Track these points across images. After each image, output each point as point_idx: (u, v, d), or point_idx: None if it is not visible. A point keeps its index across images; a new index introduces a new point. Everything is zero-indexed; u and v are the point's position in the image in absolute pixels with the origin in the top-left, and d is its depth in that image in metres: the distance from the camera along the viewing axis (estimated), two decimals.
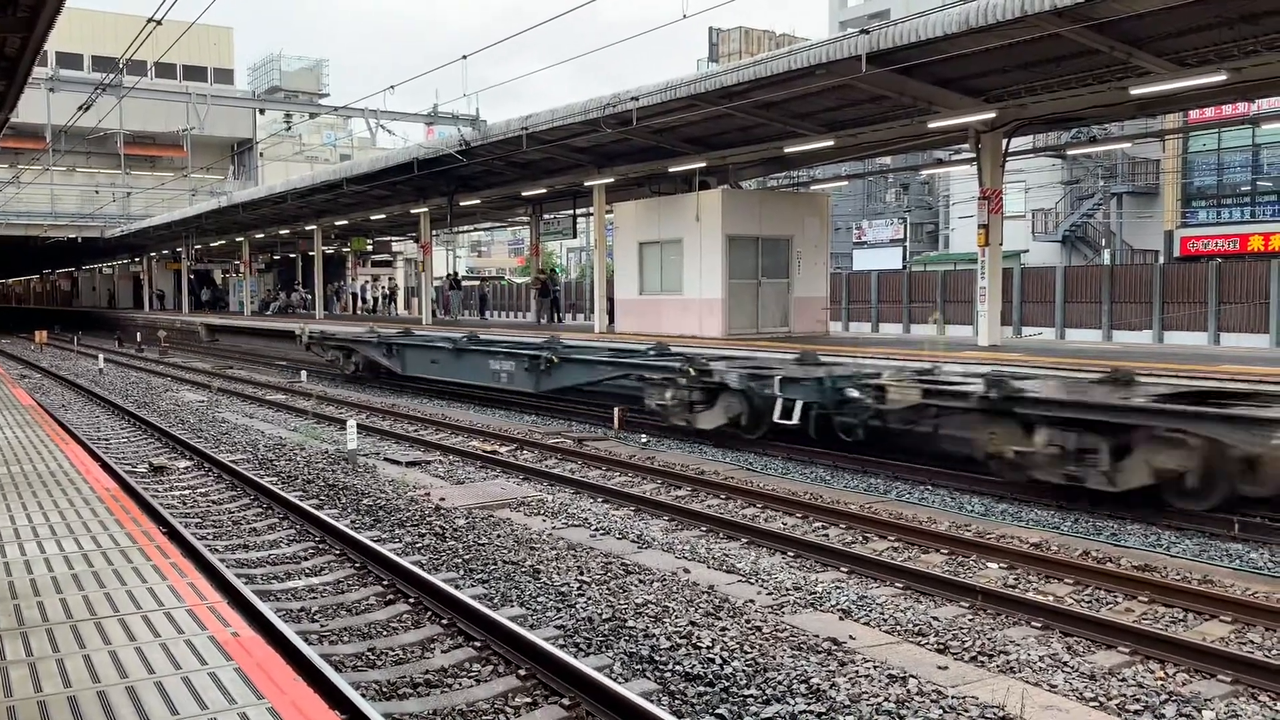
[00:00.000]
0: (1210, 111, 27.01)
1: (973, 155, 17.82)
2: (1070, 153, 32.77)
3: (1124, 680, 5.66)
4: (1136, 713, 5.23)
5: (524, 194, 27.94)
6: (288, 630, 6.02)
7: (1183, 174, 35.78)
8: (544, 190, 26.87)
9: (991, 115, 16.35)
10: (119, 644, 4.01)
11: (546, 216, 32.19)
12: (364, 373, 24.00)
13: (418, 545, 8.71)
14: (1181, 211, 36.05)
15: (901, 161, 32.20)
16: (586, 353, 17.61)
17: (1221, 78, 13.84)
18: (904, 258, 48.70)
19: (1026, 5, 12.18)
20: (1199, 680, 5.72)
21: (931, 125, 16.93)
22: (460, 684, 5.64)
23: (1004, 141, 17.39)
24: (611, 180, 23.62)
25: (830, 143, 19.00)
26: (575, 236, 34.78)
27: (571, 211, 29.58)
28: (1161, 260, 34.72)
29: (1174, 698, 5.41)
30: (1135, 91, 14.52)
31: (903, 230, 50.73)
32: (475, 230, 50.95)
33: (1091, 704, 5.31)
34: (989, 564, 8.04)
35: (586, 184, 24.24)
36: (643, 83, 17.82)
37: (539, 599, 7.11)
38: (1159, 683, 5.66)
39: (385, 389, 23.36)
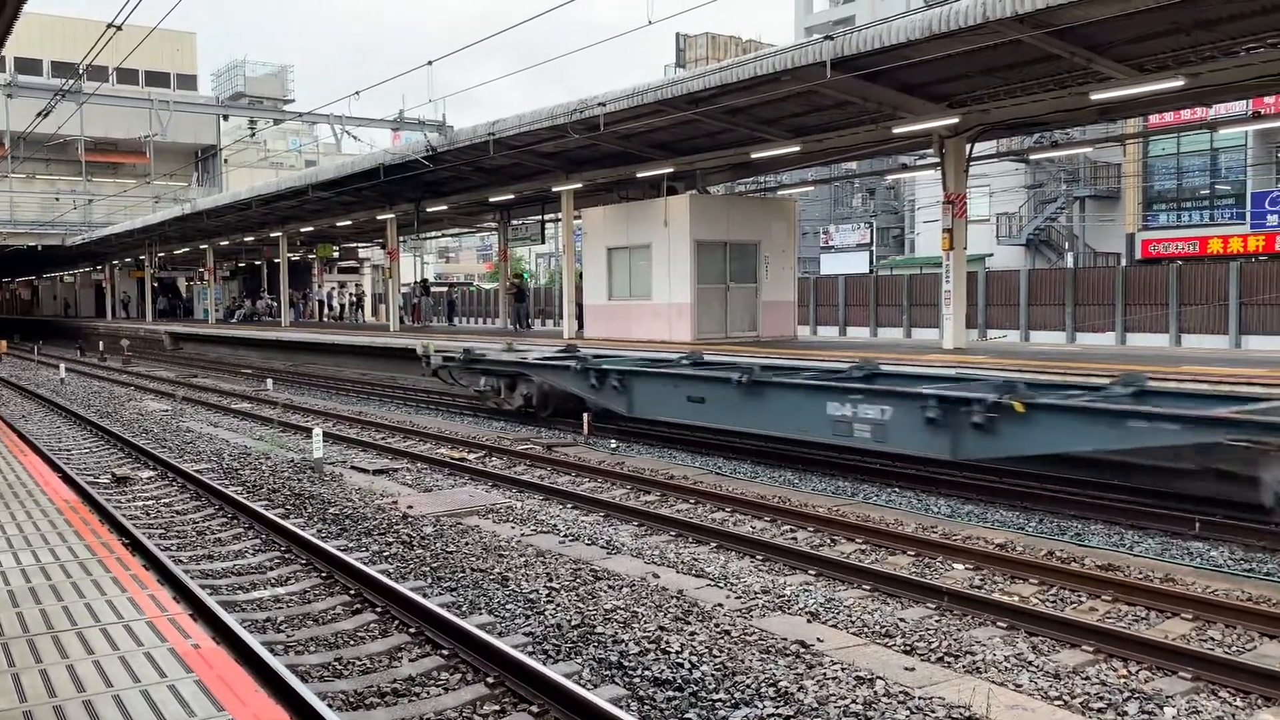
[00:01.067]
0: (1169, 116, 27.42)
1: (937, 160, 17.99)
2: (1033, 157, 33.16)
3: (1088, 679, 5.71)
4: (1100, 710, 5.28)
5: (492, 200, 27.86)
6: (252, 640, 5.95)
7: (1143, 178, 36.30)
8: (512, 196, 26.82)
9: (955, 120, 16.50)
10: (76, 658, 3.95)
11: (515, 222, 32.16)
12: (540, 409, 17.20)
13: (385, 554, 8.65)
14: (1142, 215, 36.56)
15: (867, 166, 32.42)
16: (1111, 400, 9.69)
17: (1179, 83, 14.04)
18: (871, 262, 49.02)
19: (988, 11, 12.31)
20: (1161, 677, 5.79)
21: (896, 130, 17.07)
22: (428, 692, 5.60)
23: (967, 146, 17.56)
24: (579, 186, 23.62)
25: (797, 148, 19.09)
26: (544, 242, 34.75)
27: (540, 217, 29.56)
28: (1123, 263, 35.18)
29: (1137, 695, 5.47)
30: (1096, 97, 14.71)
31: (869, 235, 51.07)
32: (443, 236, 50.74)
33: (1056, 703, 5.36)
34: (955, 565, 8.10)
35: (554, 189, 24.23)
36: (610, 89, 17.84)
37: (507, 606, 7.08)
38: (1122, 681, 5.72)
39: (563, 429, 16.62)
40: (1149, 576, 7.57)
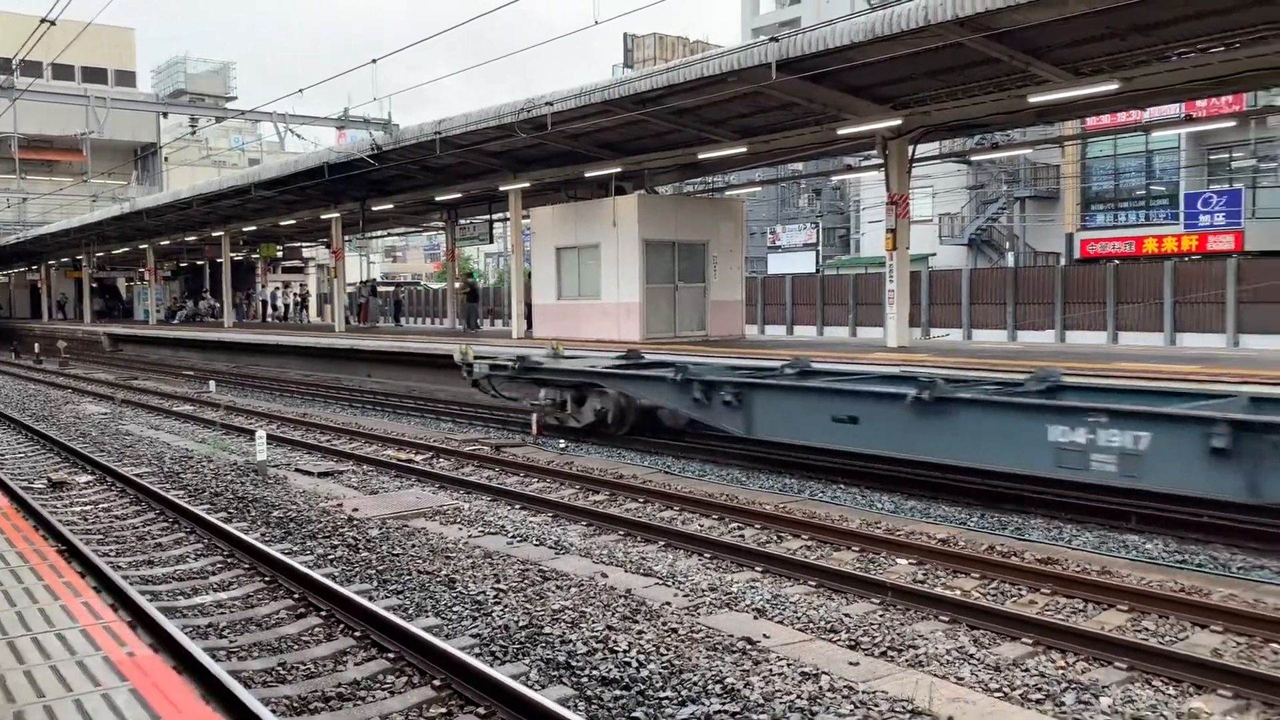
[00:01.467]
0: (1106, 119, 28.03)
1: (881, 161, 18.21)
2: (974, 158, 33.71)
3: (1027, 670, 5.83)
4: (1039, 701, 5.39)
5: (438, 199, 27.68)
6: (193, 647, 5.86)
7: (1081, 179, 37.04)
8: (459, 195, 26.66)
9: (898, 122, 16.72)
10: (6, 668, 3.86)
11: (462, 221, 31.96)
12: (615, 425, 14.56)
13: (330, 557, 8.56)
14: (1081, 215, 37.32)
15: (813, 167, 32.71)
16: None
17: (1114, 86, 14.36)
18: (817, 262, 49.47)
19: (929, 15, 12.49)
20: (1097, 668, 5.92)
21: (840, 132, 17.25)
22: (374, 696, 5.55)
23: (910, 148, 17.80)
24: (527, 185, 23.55)
25: (744, 149, 19.22)
26: (492, 241, 34.57)
27: (488, 216, 29.41)
28: (1062, 262, 35.88)
29: (1073, 685, 5.59)
30: (1034, 99, 15.00)
31: (816, 234, 51.53)
32: (389, 235, 50.26)
33: (996, 694, 5.46)
34: (899, 560, 8.21)
35: (502, 189, 24.13)
36: (558, 88, 17.81)
37: (454, 608, 7.05)
38: (1060, 671, 5.84)
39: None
40: (1087, 569, 7.74)
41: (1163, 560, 8.25)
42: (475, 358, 16.64)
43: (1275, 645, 6.19)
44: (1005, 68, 14.54)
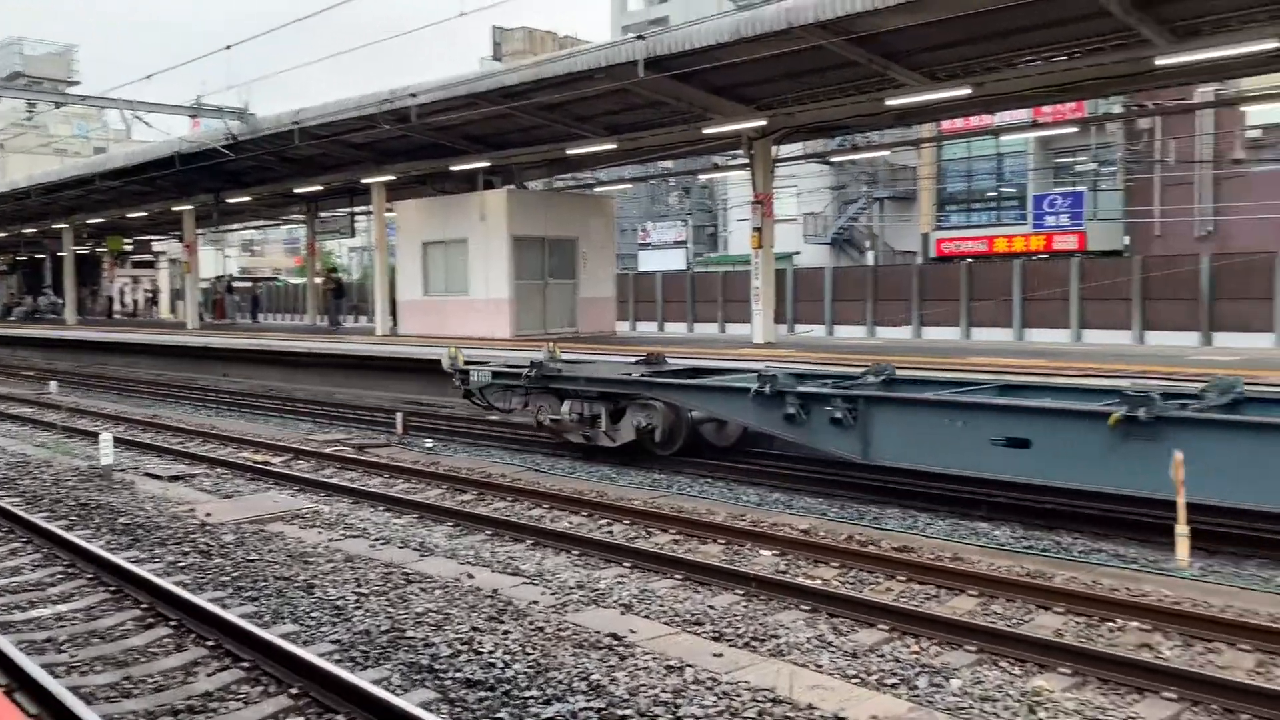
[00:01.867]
0: (960, 122, 29.23)
1: (746, 161, 18.55)
2: (836, 159, 34.66)
3: (883, 656, 6.01)
4: (894, 686, 5.57)
5: (298, 191, 26.85)
6: (29, 663, 5.52)
7: (937, 180, 38.53)
8: (320, 187, 25.93)
9: (763, 123, 17.05)
10: None
11: (323, 214, 31.10)
12: (663, 444, 12.28)
13: (181, 564, 8.19)
14: (936, 215, 38.81)
15: (683, 165, 33.08)
16: None
17: (967, 91, 14.99)
18: (687, 259, 50.03)
19: (792, 17, 12.78)
20: (949, 651, 6.16)
21: (707, 131, 17.49)
22: (227, 707, 5.34)
23: (774, 148, 18.17)
24: (392, 178, 23.08)
25: (613, 146, 19.28)
26: (354, 235, 33.74)
27: (350, 210, 28.69)
28: (919, 261, 37.25)
29: (927, 669, 5.80)
30: (891, 102, 15.51)
31: (685, 232, 52.10)
32: (246, 229, 48.48)
33: (853, 680, 5.62)
34: (763, 552, 8.37)
35: (364, 181, 23.57)
36: (423, 80, 17.49)
37: (313, 614, 6.83)
38: (914, 656, 6.05)
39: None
40: (940, 556, 8.03)
41: (1010, 546, 8.63)
42: (468, 363, 14.48)
43: (1110, 624, 6.55)
44: (865, 71, 15.00)
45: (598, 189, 27.85)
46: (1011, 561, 8.00)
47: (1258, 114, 29.53)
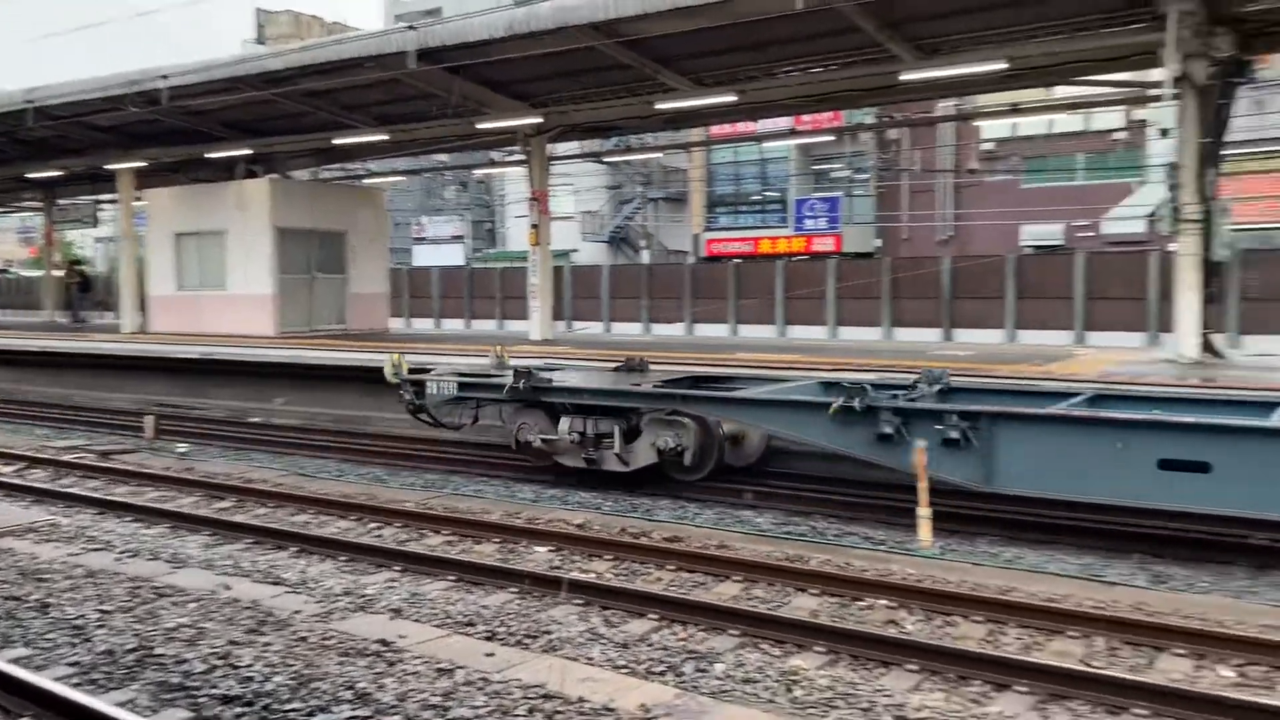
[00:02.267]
0: (728, 127, 30.35)
1: (523, 157, 18.53)
2: (611, 159, 35.20)
3: (651, 645, 6.16)
4: (661, 673, 5.71)
5: (32, 176, 24.55)
6: None
7: (707, 182, 39.86)
8: (59, 172, 23.82)
9: (538, 120, 17.08)
10: None
11: (63, 202, 28.60)
12: (693, 469, 10.41)
13: None
14: (706, 216, 40.16)
15: (459, 159, 32.64)
16: None
17: (733, 98, 15.57)
18: (466, 255, 49.42)
19: (565, 17, 12.87)
20: (715, 636, 6.39)
21: (481, 126, 17.33)
22: None
23: (550, 145, 18.25)
24: (142, 164, 21.52)
25: (384, 136, 18.78)
26: (97, 225, 31.25)
27: (94, 197, 26.53)
28: (691, 260, 38.42)
29: (693, 655, 5.98)
30: (661, 105, 15.90)
31: (463, 227, 51.44)
32: None
33: (623, 670, 5.72)
34: (537, 548, 8.39)
35: (110, 167, 21.85)
36: (178, 62, 16.41)
37: (49, 636, 6.27)
38: (681, 643, 6.24)
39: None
40: (706, 545, 8.32)
41: (771, 532, 9.05)
42: (415, 372, 12.10)
43: (861, 603, 6.99)
44: (637, 74, 15.30)
45: (368, 180, 27.04)
46: (772, 547, 8.39)
47: (990, 129, 32.39)
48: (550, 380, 11.07)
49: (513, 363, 12.19)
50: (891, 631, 6.42)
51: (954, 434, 8.45)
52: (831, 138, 32.21)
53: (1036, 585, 7.27)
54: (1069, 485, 8.27)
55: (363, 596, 7.13)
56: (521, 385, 10.85)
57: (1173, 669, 5.80)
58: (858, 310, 28.48)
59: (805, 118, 30.10)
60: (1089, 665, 5.79)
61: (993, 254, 28.12)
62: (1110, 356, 15.54)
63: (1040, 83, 17.05)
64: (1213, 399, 9.34)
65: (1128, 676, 5.57)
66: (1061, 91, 19.67)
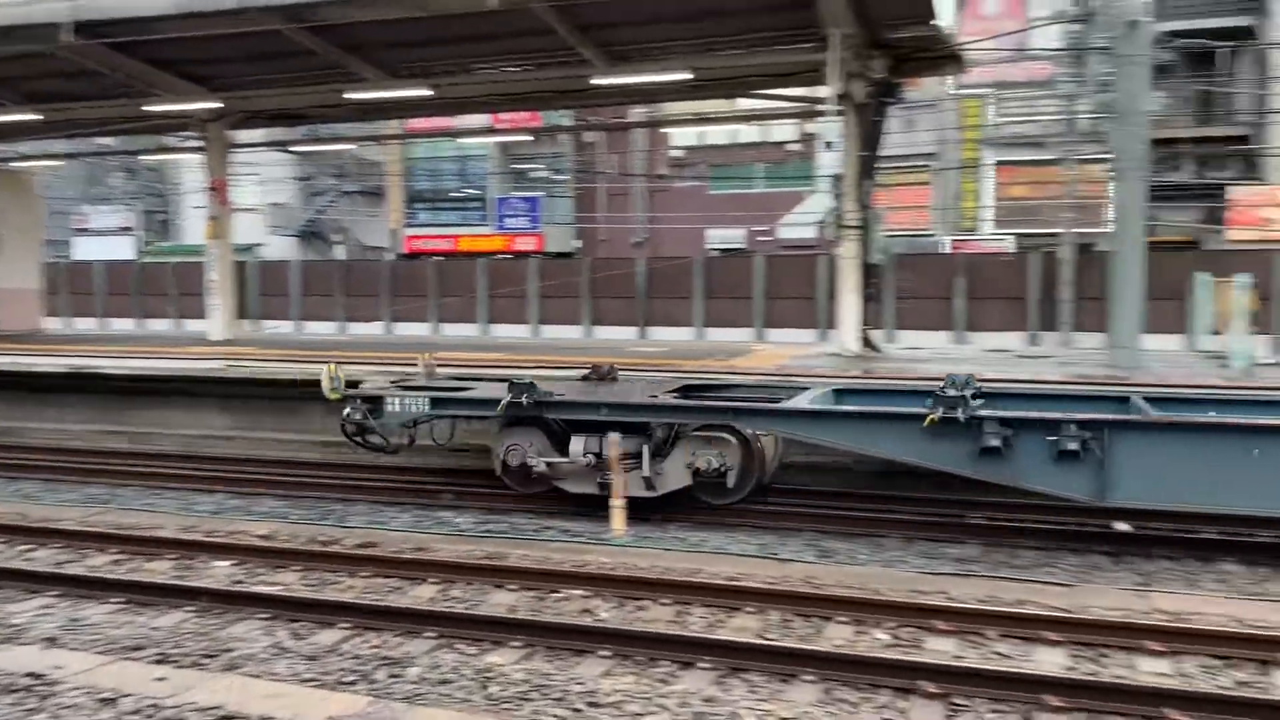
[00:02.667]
0: (426, 122, 29.85)
1: (200, 144, 17.31)
2: (298, 149, 33.59)
3: (342, 655, 5.95)
4: (353, 683, 5.53)
5: None
6: None
7: (406, 177, 39.03)
8: None
9: (218, 105, 16.04)
10: None
11: None
12: (734, 489, 9.20)
13: None
14: (406, 212, 39.33)
15: (127, 144, 29.89)
16: None
17: (427, 92, 15.35)
18: (137, 248, 45.38)
19: None
20: (410, 641, 6.27)
21: (151, 108, 16.02)
22: None
23: (232, 133, 17.17)
24: None
25: (36, 116, 16.88)
26: None
27: None
28: (390, 257, 37.46)
29: (386, 661, 5.84)
30: (351, 95, 15.40)
31: (133, 218, 47.20)
32: None
33: (311, 684, 5.49)
34: (218, 563, 7.87)
35: None
36: None
37: None
38: (374, 651, 6.07)
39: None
40: (403, 549, 8.15)
41: (471, 532, 9.01)
42: (354, 384, 10.22)
43: (557, 594, 7.10)
44: (324, 61, 14.71)
45: (16, 164, 24.18)
46: (473, 546, 8.36)
47: (680, 136, 34.00)
48: (554, 395, 9.43)
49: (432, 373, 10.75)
50: (586, 620, 6.58)
51: (1072, 445, 7.68)
52: (530, 138, 32.54)
53: (721, 565, 7.72)
54: (1195, 496, 7.82)
55: (10, 627, 6.39)
56: (525, 400, 9.24)
57: (837, 635, 6.35)
58: (559, 309, 28.94)
59: (504, 116, 30.18)
60: (763, 638, 6.22)
61: (683, 256, 29.51)
62: (785, 351, 16.77)
63: (723, 94, 18.07)
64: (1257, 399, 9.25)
65: (797, 646, 6.04)
66: (744, 104, 20.98)
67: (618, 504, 8.81)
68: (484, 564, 7.63)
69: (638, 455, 9.06)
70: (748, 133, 33.30)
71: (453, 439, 10.31)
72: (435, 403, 9.72)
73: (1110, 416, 7.97)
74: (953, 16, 30.22)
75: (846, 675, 5.64)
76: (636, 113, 29.43)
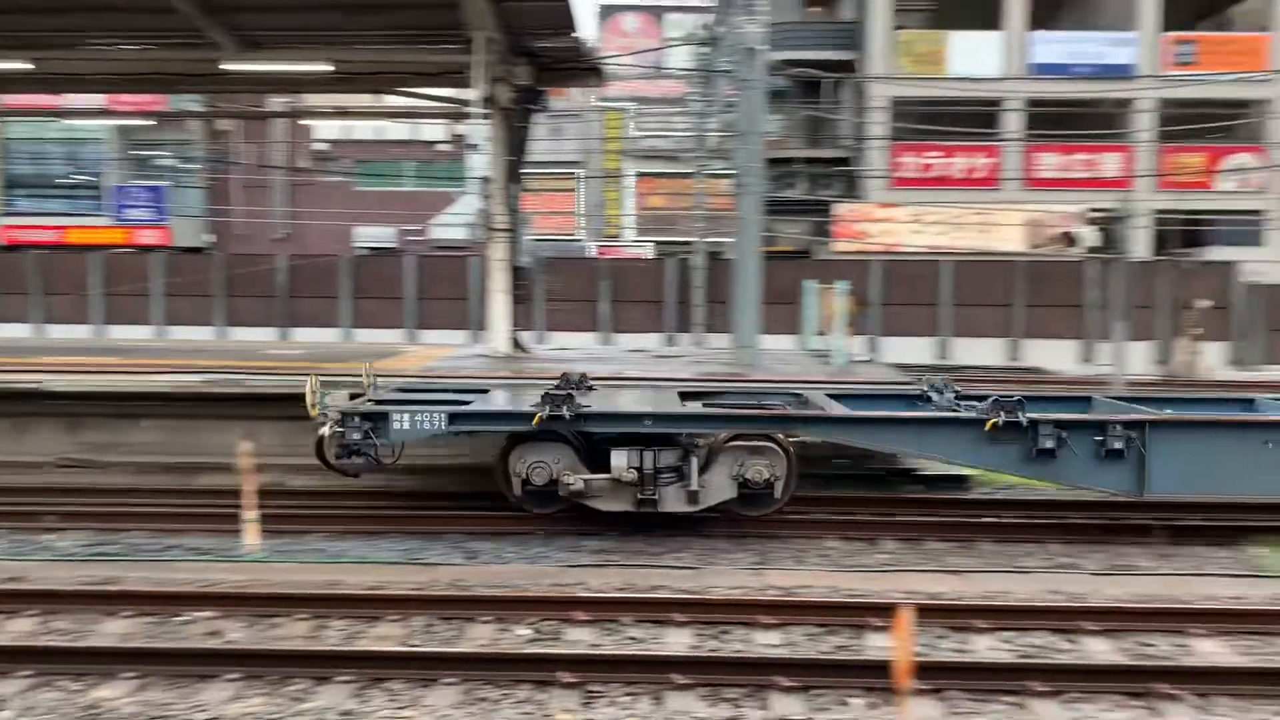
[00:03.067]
0: (25, 98, 26.59)
1: None
2: None
3: None
4: None
5: None
6: None
7: (2, 160, 34.53)
8: None
9: None
10: None
11: None
12: (781, 499, 8.84)
13: None
14: (3, 199, 34.80)
15: None
16: None
17: (27, 66, 13.70)
18: None
19: None
20: (1, 681, 5.56)
21: None
22: None
23: None
24: None
25: None
26: None
27: None
28: None
29: None
30: None
31: None
32: None
33: None
34: None
35: None
36: None
37: None
38: None
39: None
40: None
41: (78, 555, 8.18)
42: (357, 398, 8.91)
43: (180, 618, 6.57)
44: None
45: None
46: (83, 571, 7.55)
47: (324, 129, 32.69)
48: (591, 407, 8.67)
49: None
50: (213, 642, 6.17)
51: (1118, 444, 8.51)
52: (153, 122, 29.91)
53: (362, 575, 7.53)
54: (1220, 486, 8.96)
55: None
56: (566, 413, 8.30)
57: (480, 635, 6.40)
58: (189, 308, 26.84)
59: (123, 98, 27.50)
60: (405, 645, 6.15)
61: (329, 254, 28.40)
62: (436, 352, 16.63)
63: (368, 89, 17.57)
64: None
65: (437, 649, 6.03)
66: (392, 101, 20.52)
67: (250, 517, 8.31)
68: (91, 591, 6.92)
69: (677, 469, 8.62)
70: (396, 130, 32.73)
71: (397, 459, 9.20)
72: (454, 418, 8.68)
73: (1151, 416, 8.81)
74: (595, 30, 31.55)
75: (487, 674, 5.71)
76: (277, 103, 27.97)
